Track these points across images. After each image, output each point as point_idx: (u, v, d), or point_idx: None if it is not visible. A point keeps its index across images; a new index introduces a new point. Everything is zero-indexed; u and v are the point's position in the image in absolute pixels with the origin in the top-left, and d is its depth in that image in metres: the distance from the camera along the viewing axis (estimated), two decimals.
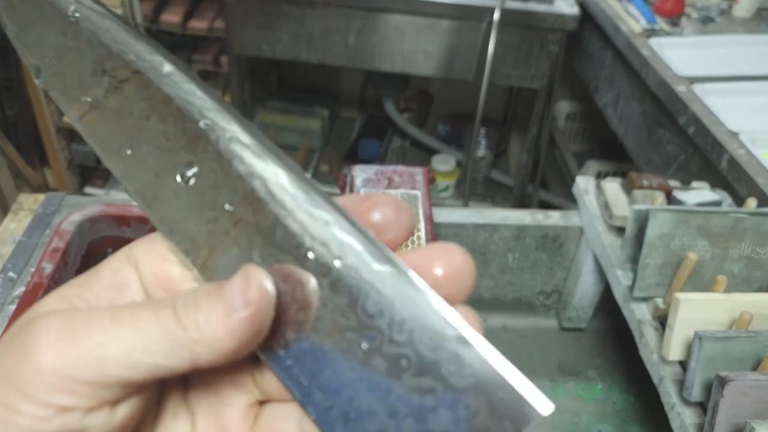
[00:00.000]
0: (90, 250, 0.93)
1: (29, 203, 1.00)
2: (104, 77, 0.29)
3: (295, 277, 0.25)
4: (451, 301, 0.24)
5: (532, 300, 1.18)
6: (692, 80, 1.42)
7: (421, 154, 2.46)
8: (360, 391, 0.23)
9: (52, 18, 0.30)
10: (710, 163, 1.25)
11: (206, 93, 0.28)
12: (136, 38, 0.29)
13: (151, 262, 0.27)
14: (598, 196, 1.09)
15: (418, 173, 0.96)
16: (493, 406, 0.22)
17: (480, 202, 2.30)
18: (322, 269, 0.24)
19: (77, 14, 0.30)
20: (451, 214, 1.09)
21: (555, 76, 1.89)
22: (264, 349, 0.25)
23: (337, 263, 0.24)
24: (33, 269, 0.84)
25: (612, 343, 1.19)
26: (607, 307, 1.15)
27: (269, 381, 0.27)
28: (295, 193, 0.25)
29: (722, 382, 0.71)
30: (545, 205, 2.22)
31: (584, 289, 1.13)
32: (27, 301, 0.79)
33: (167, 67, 0.28)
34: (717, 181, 1.19)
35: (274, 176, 0.26)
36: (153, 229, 0.29)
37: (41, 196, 1.00)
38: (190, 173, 0.27)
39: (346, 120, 2.65)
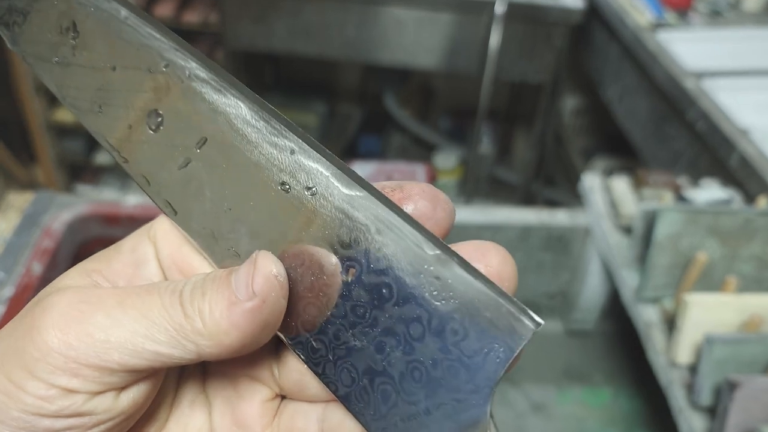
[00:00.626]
0: (80, 251, 0.93)
1: (18, 202, 1.00)
2: (68, 33, 0.29)
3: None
4: None
5: (536, 301, 1.18)
6: (700, 75, 1.42)
7: (422, 151, 2.46)
8: (343, 326, 0.23)
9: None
10: (719, 160, 1.25)
11: (164, 34, 0.28)
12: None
13: (170, 243, 0.27)
14: (605, 195, 1.09)
15: (419, 170, 0.96)
16: (481, 327, 0.21)
17: (483, 199, 2.30)
18: (294, 202, 0.24)
19: None
20: None
21: (560, 71, 1.89)
22: (285, 332, 0.25)
23: (307, 194, 0.24)
24: (22, 270, 0.84)
25: (619, 347, 1.19)
26: (614, 309, 1.15)
27: (288, 375, 0.27)
28: (257, 125, 0.25)
29: (732, 386, 0.71)
30: (550, 203, 2.22)
31: (590, 291, 1.13)
32: (17, 304, 0.79)
33: (123, 12, 0.28)
34: (726, 178, 1.19)
35: (236, 109, 0.26)
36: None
37: (30, 195, 1.00)
38: (158, 120, 0.27)
39: (345, 115, 2.65)
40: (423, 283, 0.22)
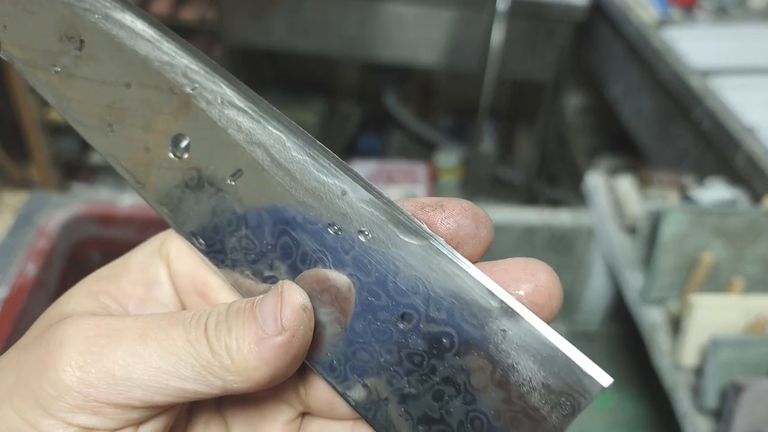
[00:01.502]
0: (75, 251, 0.94)
1: (13, 202, 1.00)
2: (71, 42, 0.27)
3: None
4: None
5: None
6: (706, 73, 1.42)
7: (423, 150, 2.46)
8: (398, 373, 0.23)
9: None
10: (725, 158, 1.25)
11: (188, 51, 0.26)
12: None
13: (186, 263, 0.27)
14: (609, 194, 1.09)
15: (420, 169, 0.96)
16: (548, 381, 0.20)
17: (485, 199, 2.30)
18: (343, 245, 0.23)
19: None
20: None
21: (563, 69, 1.89)
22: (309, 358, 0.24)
23: (360, 237, 0.23)
24: (17, 271, 0.84)
25: (623, 349, 1.19)
26: (618, 310, 1.15)
27: (317, 395, 0.26)
28: (303, 161, 0.24)
29: (738, 388, 0.71)
30: (553, 203, 2.23)
31: (594, 292, 1.14)
32: (11, 305, 0.80)
33: (140, 25, 0.26)
34: (732, 177, 1.19)
35: (278, 143, 0.24)
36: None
37: (24, 195, 1.00)
38: (182, 145, 0.26)
39: (344, 113, 2.65)
40: (487, 334, 0.21)
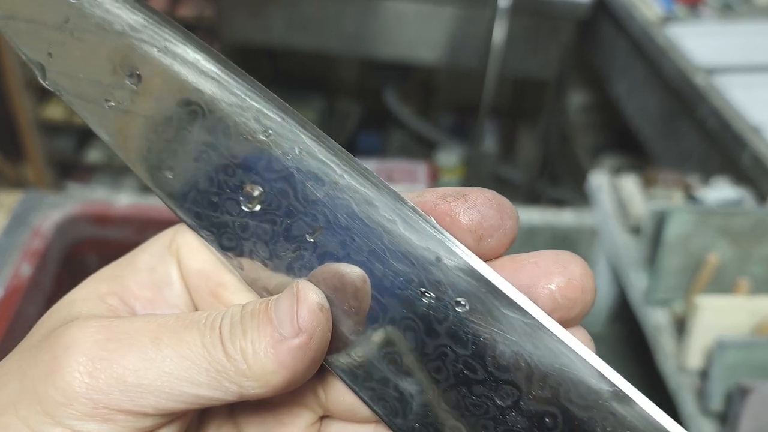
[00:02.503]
0: (71, 251, 0.94)
1: (7, 201, 1.00)
2: (127, 75, 0.25)
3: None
4: (569, 322, 0.22)
5: None
6: (711, 70, 1.42)
7: (424, 149, 2.46)
8: None
9: (48, 0, 0.26)
10: (730, 157, 1.25)
11: (260, 92, 0.24)
12: (157, 22, 0.25)
13: (200, 260, 0.26)
14: (613, 194, 1.09)
15: (420, 168, 0.96)
16: None
17: None
18: (437, 314, 0.22)
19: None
20: None
21: (566, 67, 1.89)
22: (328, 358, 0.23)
23: (457, 308, 0.22)
24: (11, 272, 0.84)
25: (627, 351, 1.19)
26: (622, 312, 1.15)
27: (337, 398, 0.25)
28: (392, 219, 0.22)
29: (744, 391, 0.71)
30: (555, 202, 2.23)
31: (597, 293, 1.14)
32: (5, 307, 0.80)
33: (204, 61, 0.24)
34: (738, 176, 1.19)
35: (365, 198, 0.22)
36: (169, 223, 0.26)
37: (19, 194, 1.00)
38: (255, 194, 0.24)
39: (344, 112, 2.65)
40: (595, 417, 0.21)
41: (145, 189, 2.22)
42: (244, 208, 0.24)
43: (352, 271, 0.23)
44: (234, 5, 1.87)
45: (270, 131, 0.24)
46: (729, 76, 1.40)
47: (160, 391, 0.21)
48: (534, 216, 1.11)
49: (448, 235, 0.22)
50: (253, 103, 0.24)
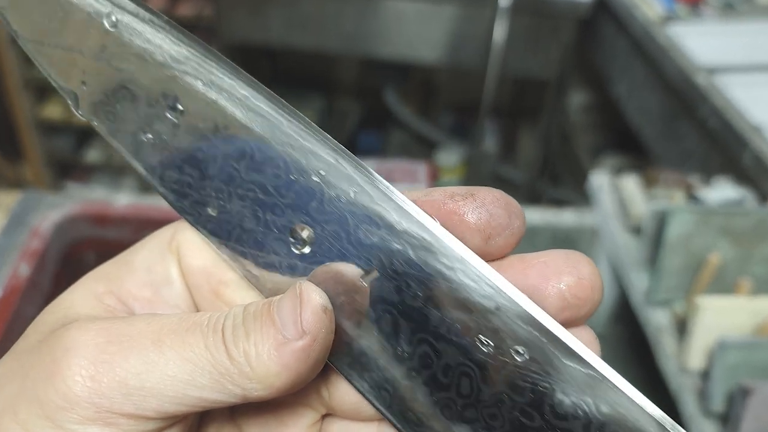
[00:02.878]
0: (69, 251, 0.93)
1: (6, 201, 1.00)
2: (167, 107, 0.24)
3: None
4: (577, 321, 0.22)
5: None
6: (712, 70, 1.42)
7: (424, 148, 2.46)
8: None
9: (82, 27, 0.24)
10: (732, 157, 1.25)
11: (313, 132, 0.23)
12: (202, 54, 0.24)
13: (199, 257, 0.25)
14: (614, 194, 1.09)
15: (420, 168, 0.96)
16: None
17: None
18: (494, 362, 0.22)
19: (116, 22, 0.24)
20: None
21: (566, 66, 1.89)
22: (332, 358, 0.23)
23: (515, 356, 0.21)
24: (9, 272, 0.84)
25: (628, 351, 1.19)
26: (623, 312, 1.15)
27: (342, 397, 0.25)
28: (451, 267, 0.22)
29: (745, 392, 0.71)
30: (556, 202, 2.23)
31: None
32: (4, 307, 0.79)
33: (257, 101, 0.23)
34: (739, 176, 1.19)
35: (422, 244, 0.22)
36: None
37: (17, 194, 1.00)
38: (305, 236, 0.23)
39: (343, 111, 2.65)
40: None
41: (144, 189, 2.22)
42: (293, 249, 0.24)
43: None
44: (233, 4, 1.88)
45: (323, 172, 0.23)
46: (730, 76, 1.40)
47: (163, 395, 0.21)
48: (534, 216, 1.11)
49: (507, 283, 0.22)
50: (306, 144, 0.23)
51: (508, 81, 2.56)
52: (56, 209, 0.93)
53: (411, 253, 0.22)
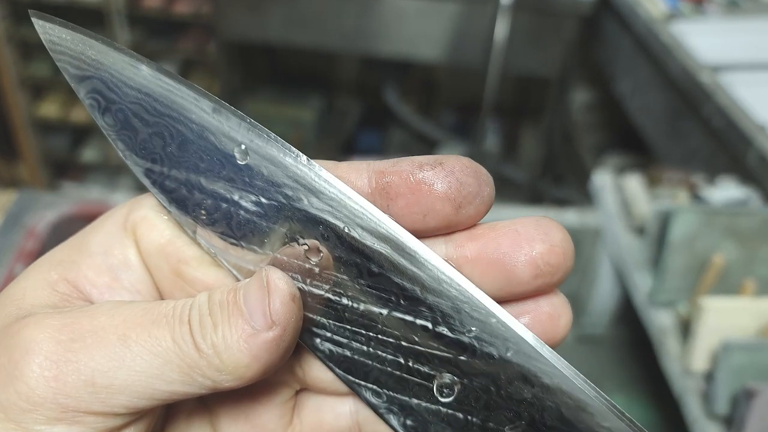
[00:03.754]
0: None
1: (1, 201, 1.00)
2: (304, 251, 0.23)
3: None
4: (551, 287, 0.23)
5: None
6: (717, 68, 1.42)
7: (425, 147, 2.46)
8: None
9: (206, 154, 0.23)
10: (736, 157, 1.25)
11: (471, 292, 0.22)
12: (347, 198, 0.23)
13: (157, 235, 0.24)
14: (617, 194, 1.09)
15: None
16: None
17: None
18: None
19: (247, 154, 0.23)
20: None
21: (569, 65, 1.89)
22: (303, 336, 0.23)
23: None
24: (5, 273, 0.84)
25: (631, 353, 1.19)
26: (626, 313, 1.15)
27: (319, 375, 0.25)
28: (608, 427, 0.22)
29: (749, 394, 0.71)
30: (558, 202, 2.23)
31: (600, 294, 1.14)
32: None
33: (415, 246, 0.22)
34: (743, 176, 1.19)
35: (577, 404, 0.22)
36: None
37: (13, 194, 1.00)
38: (450, 384, 0.23)
39: (343, 110, 2.65)
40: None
41: (140, 189, 2.22)
42: (437, 395, 0.23)
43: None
44: (231, 1, 1.88)
45: (474, 330, 0.22)
46: (734, 74, 1.40)
47: (132, 391, 0.21)
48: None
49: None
50: (464, 306, 0.22)
51: (509, 79, 2.56)
52: (52, 209, 0.93)
53: (564, 411, 0.22)
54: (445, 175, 0.22)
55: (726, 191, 1.02)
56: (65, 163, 2.51)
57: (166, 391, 0.21)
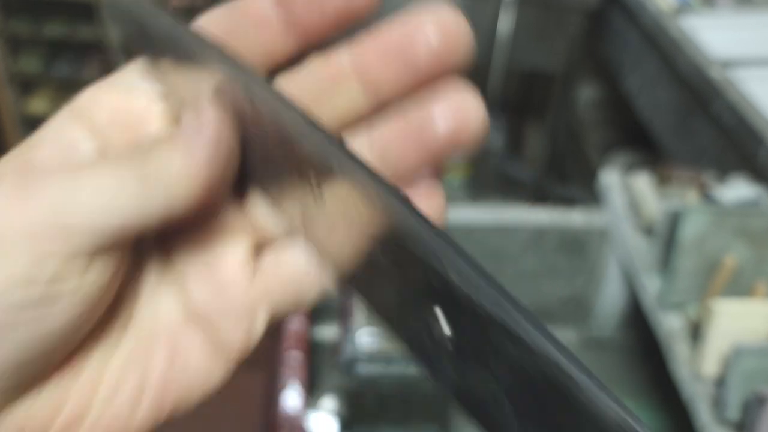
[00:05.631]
0: None
1: None
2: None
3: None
4: (453, 70, 0.23)
5: (549, 308, 1.18)
6: (727, 64, 1.42)
7: None
8: None
9: None
10: (747, 155, 1.25)
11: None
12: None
13: (107, 102, 0.25)
14: (624, 193, 1.09)
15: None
16: None
17: (492, 198, 2.30)
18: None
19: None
20: (460, 213, 1.09)
21: (575, 60, 1.89)
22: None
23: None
24: None
25: (639, 357, 1.19)
26: (634, 316, 1.15)
27: (266, 214, 0.26)
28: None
29: (761, 400, 0.71)
30: (564, 202, 2.23)
31: (608, 297, 1.14)
32: None
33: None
34: (755, 174, 1.19)
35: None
36: None
37: None
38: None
39: None
40: None
41: None
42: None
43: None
44: None
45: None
46: (746, 70, 1.40)
47: (84, 224, 0.21)
48: (542, 216, 1.11)
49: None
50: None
51: (514, 75, 2.56)
52: None
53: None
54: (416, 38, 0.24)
55: (737, 190, 1.02)
56: None
57: (119, 218, 0.21)
